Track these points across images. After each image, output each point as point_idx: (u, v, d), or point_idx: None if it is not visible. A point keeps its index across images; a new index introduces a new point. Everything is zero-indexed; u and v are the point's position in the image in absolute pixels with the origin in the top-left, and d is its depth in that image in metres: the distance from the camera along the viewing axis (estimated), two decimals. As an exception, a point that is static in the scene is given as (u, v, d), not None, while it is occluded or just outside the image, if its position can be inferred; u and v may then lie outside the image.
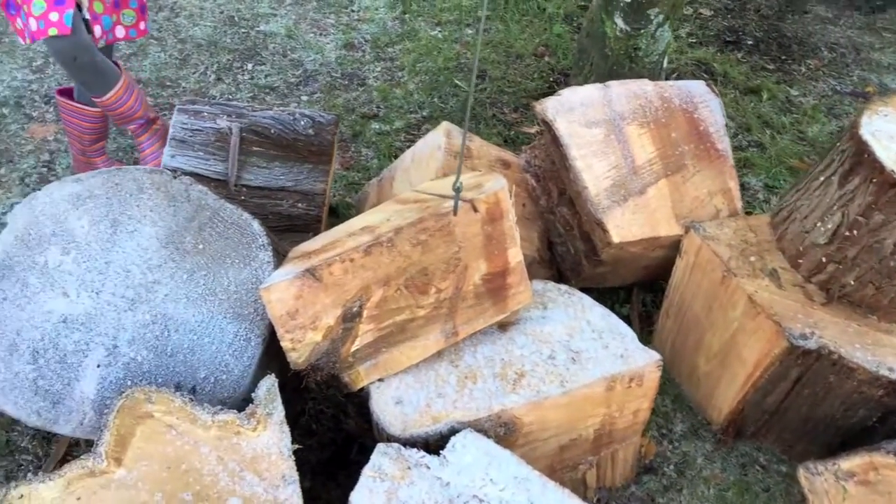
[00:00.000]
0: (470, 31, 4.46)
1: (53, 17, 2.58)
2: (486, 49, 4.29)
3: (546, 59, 4.27)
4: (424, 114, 3.83)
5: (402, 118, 3.79)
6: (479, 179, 2.23)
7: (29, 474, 2.25)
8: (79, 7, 2.66)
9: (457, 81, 4.04)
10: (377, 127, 3.73)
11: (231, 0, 4.57)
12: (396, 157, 3.43)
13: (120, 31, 2.89)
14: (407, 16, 4.57)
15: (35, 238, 2.11)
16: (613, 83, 2.68)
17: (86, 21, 2.72)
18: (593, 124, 2.57)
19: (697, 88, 2.75)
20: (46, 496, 1.67)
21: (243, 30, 4.35)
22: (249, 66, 4.07)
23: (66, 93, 3.02)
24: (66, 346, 2.04)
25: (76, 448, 2.34)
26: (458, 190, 1.92)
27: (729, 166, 2.67)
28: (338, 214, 3.17)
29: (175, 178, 2.20)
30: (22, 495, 1.65)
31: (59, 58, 2.76)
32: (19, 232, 2.11)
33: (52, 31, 2.60)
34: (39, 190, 2.18)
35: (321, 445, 2.38)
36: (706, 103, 2.72)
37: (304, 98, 3.89)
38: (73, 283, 2.09)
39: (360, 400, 2.18)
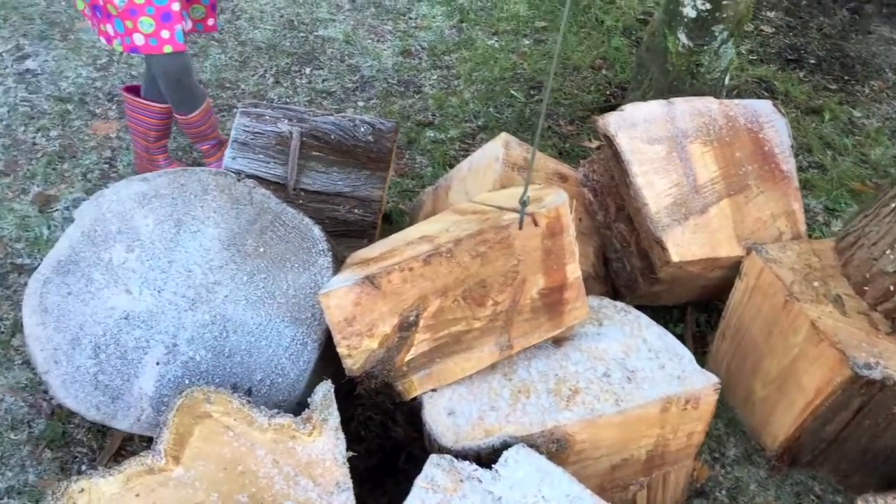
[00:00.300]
0: (527, 42, 4.45)
1: (165, 34, 2.63)
2: (543, 60, 4.28)
3: (603, 72, 4.24)
4: (480, 123, 3.82)
5: (457, 127, 3.79)
6: (539, 193, 2.22)
7: (84, 467, 2.31)
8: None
9: (512, 92, 4.03)
10: (432, 135, 3.73)
11: (291, 4, 4.62)
12: (451, 165, 3.42)
13: (188, 24, 2.93)
14: (464, 24, 4.57)
15: (101, 235, 2.15)
16: (677, 100, 2.64)
17: None
18: (656, 141, 2.54)
19: (763, 108, 2.70)
20: (106, 491, 1.69)
21: (302, 34, 4.39)
22: (307, 71, 4.11)
23: (133, 90, 3.06)
24: (127, 342, 2.07)
25: (129, 443, 2.37)
26: (524, 204, 1.91)
27: (794, 188, 2.62)
28: (391, 221, 3.18)
29: (239, 180, 2.22)
30: (83, 489, 1.67)
31: (166, 76, 2.82)
32: (86, 228, 2.16)
33: (168, 49, 2.66)
34: (103, 187, 2.21)
35: (369, 452, 2.37)
36: (772, 123, 2.67)
37: (361, 104, 3.91)
38: (136, 280, 2.12)
39: (410, 408, 2.17)
